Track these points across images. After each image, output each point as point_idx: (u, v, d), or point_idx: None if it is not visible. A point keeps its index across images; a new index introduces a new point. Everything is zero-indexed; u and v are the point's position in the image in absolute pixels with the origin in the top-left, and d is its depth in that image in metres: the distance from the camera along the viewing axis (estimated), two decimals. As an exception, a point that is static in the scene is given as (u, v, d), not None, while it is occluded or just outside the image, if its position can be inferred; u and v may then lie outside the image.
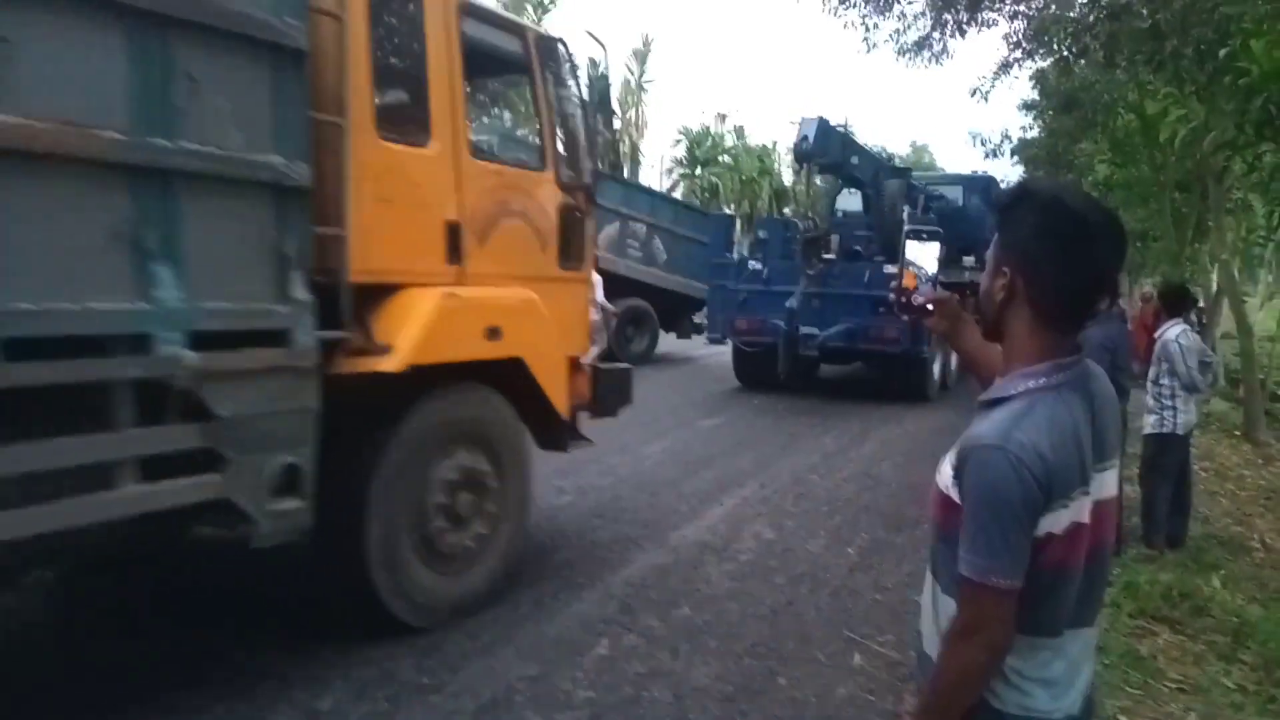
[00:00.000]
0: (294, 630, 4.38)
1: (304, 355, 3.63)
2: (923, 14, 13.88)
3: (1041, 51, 13.99)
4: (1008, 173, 28.18)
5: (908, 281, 2.08)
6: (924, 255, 2.10)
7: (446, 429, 4.51)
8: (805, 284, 12.00)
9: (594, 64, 6.19)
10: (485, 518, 4.70)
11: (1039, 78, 16.91)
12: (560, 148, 5.37)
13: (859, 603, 5.08)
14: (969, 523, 1.52)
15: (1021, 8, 13.35)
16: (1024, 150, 22.04)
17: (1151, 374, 6.32)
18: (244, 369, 3.43)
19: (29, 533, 2.91)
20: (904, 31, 14.18)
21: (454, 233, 4.55)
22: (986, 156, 22.38)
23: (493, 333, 4.62)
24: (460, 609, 4.55)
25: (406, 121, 4.44)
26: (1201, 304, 15.91)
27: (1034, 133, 21.72)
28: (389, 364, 4.00)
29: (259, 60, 3.44)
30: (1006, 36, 14.29)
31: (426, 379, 4.27)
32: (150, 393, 3.17)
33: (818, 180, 15.26)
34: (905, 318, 2.04)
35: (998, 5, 13.36)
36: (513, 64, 5.30)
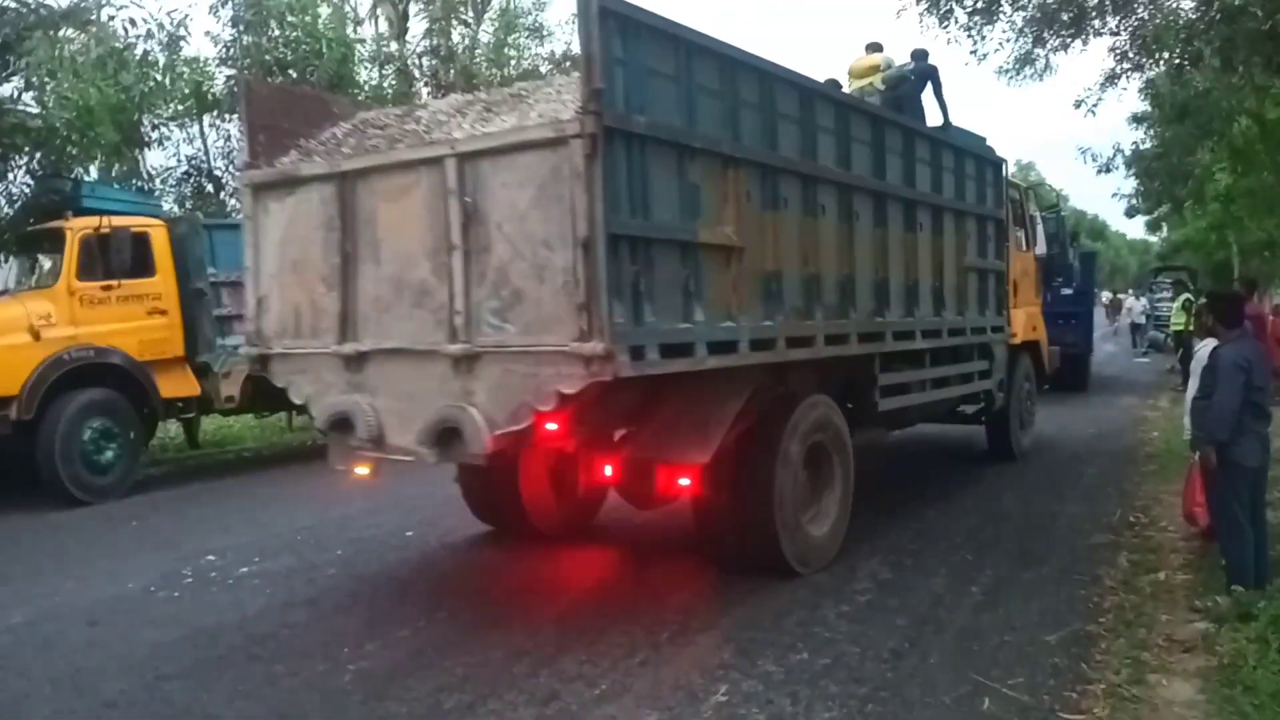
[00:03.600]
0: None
1: (1006, 335, 9.39)
2: (1024, 31, 13.58)
3: (1149, 62, 13.53)
4: (1120, 186, 27.20)
5: None
6: None
7: (1024, 367, 10.43)
8: None
9: (1053, 202, 16.08)
10: (1028, 408, 10.66)
11: (1149, 88, 16.33)
12: (1031, 239, 11.38)
13: (985, 644, 4.88)
14: None
15: (1126, 21, 12.93)
16: (1139, 162, 21.27)
17: None
18: (997, 340, 9.16)
19: (958, 394, 8.80)
20: (1014, 40, 13.83)
21: (1015, 285, 10.01)
22: (1099, 172, 21.68)
23: (1033, 328, 10.76)
24: (1026, 453, 10.32)
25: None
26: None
27: (1147, 144, 20.96)
28: (1015, 340, 9.90)
29: (992, 225, 9.04)
30: (1112, 49, 13.87)
31: (1019, 348, 10.12)
32: (975, 348, 8.92)
33: None
34: None
35: (1102, 20, 12.98)
36: (1015, 201, 10.52)
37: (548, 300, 4.59)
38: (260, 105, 6.02)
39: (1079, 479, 9.23)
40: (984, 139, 9.76)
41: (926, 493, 8.51)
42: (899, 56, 10.86)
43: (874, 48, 10.98)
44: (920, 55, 10.60)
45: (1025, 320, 10.32)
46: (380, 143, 5.60)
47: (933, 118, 10.08)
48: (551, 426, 5.03)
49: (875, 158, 6.82)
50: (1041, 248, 11.53)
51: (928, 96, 10.33)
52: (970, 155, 8.68)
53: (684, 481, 5.53)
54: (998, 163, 9.36)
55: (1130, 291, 34.48)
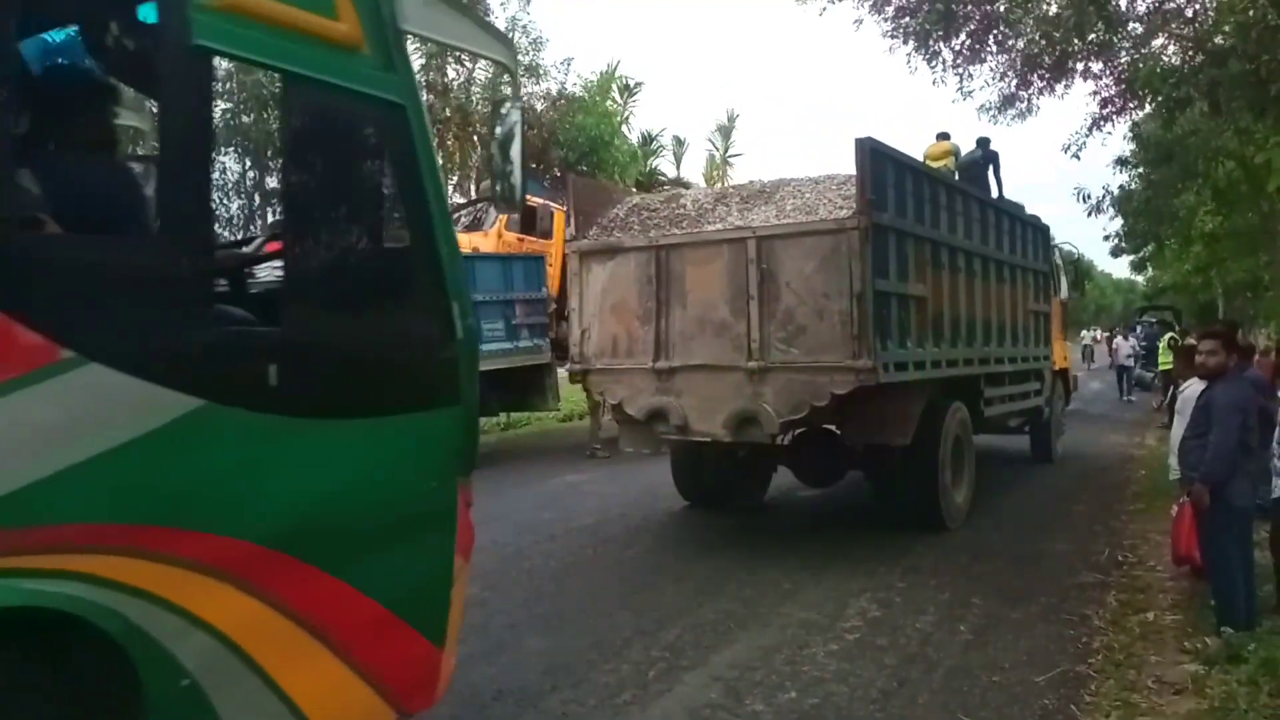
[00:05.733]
0: None
1: (1051, 362, 12.11)
2: (1007, 74, 13.75)
3: (1134, 104, 13.70)
4: (1106, 227, 27.41)
5: None
6: None
7: (1059, 389, 13.04)
8: None
9: (1073, 256, 16.08)
10: (1061, 421, 13.32)
11: (1134, 130, 16.50)
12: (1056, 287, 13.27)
13: (975, 684, 4.84)
14: None
15: (1109, 65, 13.11)
16: (1124, 204, 21.43)
17: (1278, 435, 5.90)
18: (1045, 366, 11.78)
19: (1019, 408, 11.06)
20: (999, 81, 14.00)
21: (1051, 324, 11.98)
22: (1089, 214, 21.70)
23: (1064, 358, 13.73)
24: (1060, 457, 12.74)
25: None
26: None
27: (1134, 184, 21.13)
28: (1057, 367, 12.87)
29: (1042, 277, 11.62)
30: (1096, 93, 14.02)
31: (1055, 374, 12.58)
32: (1032, 372, 11.32)
33: None
34: None
35: (1085, 64, 13.15)
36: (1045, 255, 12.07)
37: (825, 332, 6.95)
38: (577, 194, 8.68)
39: (1067, 517, 9.22)
40: (1023, 206, 12.01)
41: (916, 530, 8.47)
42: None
43: (944, 136, 13.59)
44: (984, 142, 13.33)
45: (1060, 351, 13.23)
46: (663, 222, 8.07)
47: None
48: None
49: (982, 230, 9.34)
50: (1064, 293, 14.50)
51: (988, 174, 13.17)
52: (1030, 223, 11.31)
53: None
54: (1045, 228, 12.04)
55: (1118, 329, 34.64)
